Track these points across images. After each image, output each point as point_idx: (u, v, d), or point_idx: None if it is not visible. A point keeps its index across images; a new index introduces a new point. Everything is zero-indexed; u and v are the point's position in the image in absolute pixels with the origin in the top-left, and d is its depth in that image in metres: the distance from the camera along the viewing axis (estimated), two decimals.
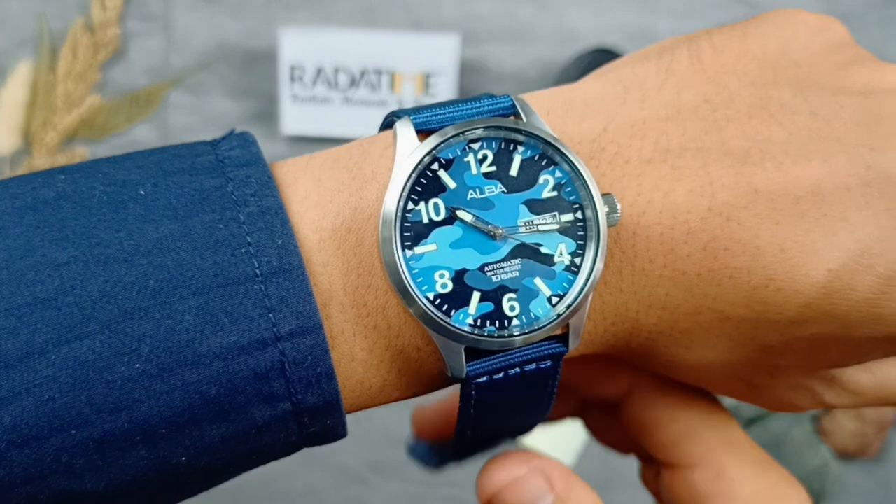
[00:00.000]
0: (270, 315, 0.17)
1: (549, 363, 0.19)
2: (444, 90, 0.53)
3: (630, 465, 0.53)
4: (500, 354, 0.19)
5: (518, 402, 0.20)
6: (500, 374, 0.19)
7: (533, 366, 0.19)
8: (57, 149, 0.54)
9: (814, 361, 0.20)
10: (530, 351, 0.19)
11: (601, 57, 0.48)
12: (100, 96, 0.55)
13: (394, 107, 0.54)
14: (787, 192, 0.18)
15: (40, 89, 0.54)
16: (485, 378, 0.19)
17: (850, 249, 0.18)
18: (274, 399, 0.17)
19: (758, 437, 0.53)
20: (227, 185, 0.18)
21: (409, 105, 0.54)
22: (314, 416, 0.18)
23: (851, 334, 0.19)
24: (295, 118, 0.54)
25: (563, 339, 0.19)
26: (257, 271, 0.17)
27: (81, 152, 0.54)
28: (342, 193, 0.18)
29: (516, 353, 0.19)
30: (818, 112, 0.19)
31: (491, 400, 0.19)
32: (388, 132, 0.19)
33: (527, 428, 0.22)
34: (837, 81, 0.20)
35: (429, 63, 0.53)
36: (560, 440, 0.56)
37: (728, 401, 0.53)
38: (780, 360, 0.20)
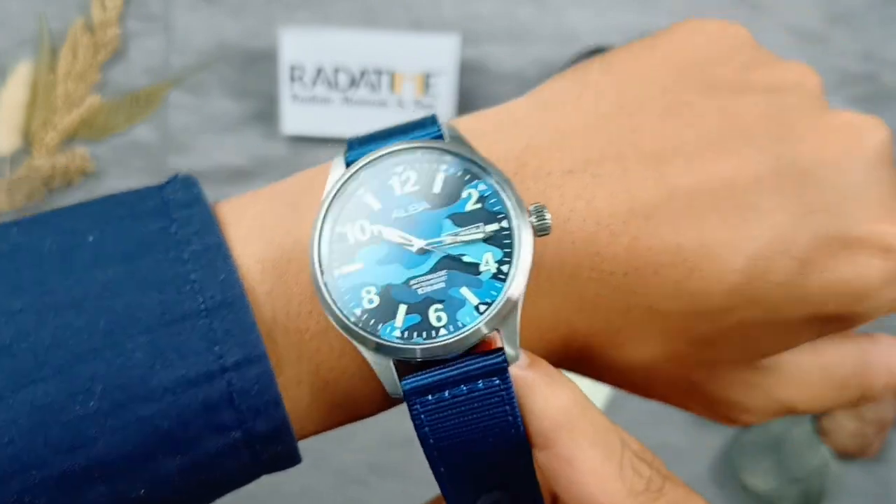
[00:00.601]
0: (216, 347, 0.18)
1: (496, 381, 0.19)
2: (444, 90, 0.53)
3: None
4: (436, 369, 0.19)
5: (478, 429, 0.19)
6: (445, 393, 0.19)
7: (480, 384, 0.19)
8: (57, 149, 0.54)
9: (748, 350, 0.21)
10: (468, 366, 0.19)
11: None
12: (100, 96, 0.55)
13: (394, 107, 0.54)
14: (703, 188, 0.19)
15: (40, 89, 0.54)
16: (429, 397, 0.19)
17: (765, 237, 0.19)
18: (225, 428, 0.18)
19: (758, 437, 0.53)
20: (171, 226, 0.19)
21: (408, 104, 0.54)
22: (265, 444, 0.18)
23: (778, 317, 0.20)
24: (295, 118, 0.54)
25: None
26: (202, 306, 0.18)
27: (81, 152, 0.54)
28: (283, 224, 0.19)
29: (452, 368, 0.19)
30: (726, 110, 0.20)
31: (445, 424, 0.19)
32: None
33: (510, 468, 0.21)
34: (742, 81, 0.21)
35: (429, 63, 0.53)
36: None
37: None
38: (715, 352, 0.20)
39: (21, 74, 0.54)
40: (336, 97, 0.53)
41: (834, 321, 0.20)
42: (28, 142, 0.54)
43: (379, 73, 0.53)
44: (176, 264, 0.18)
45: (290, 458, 0.19)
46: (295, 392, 0.19)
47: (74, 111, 0.54)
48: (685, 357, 0.21)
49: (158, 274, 0.18)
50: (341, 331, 0.19)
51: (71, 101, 0.54)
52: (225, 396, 0.18)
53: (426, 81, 0.53)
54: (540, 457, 0.20)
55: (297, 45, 0.53)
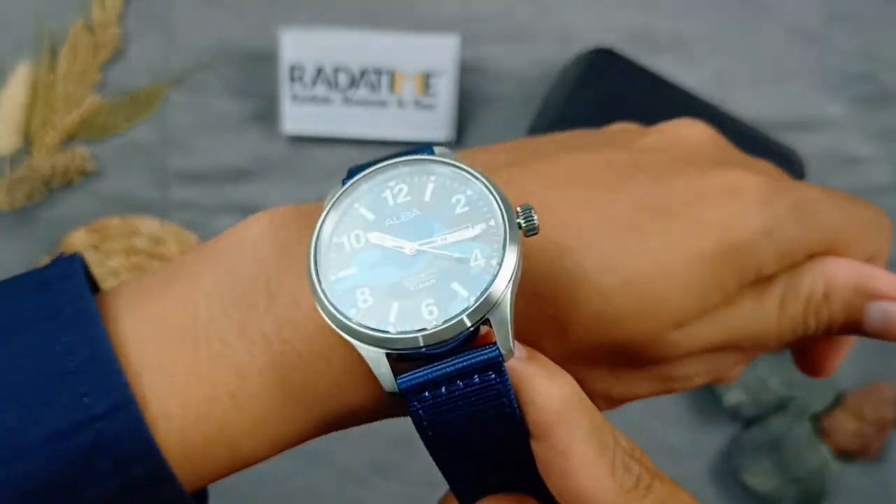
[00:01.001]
0: (85, 399, 0.19)
1: (491, 375, 0.19)
2: (444, 90, 0.53)
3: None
4: (431, 365, 0.19)
5: (477, 421, 0.20)
6: (442, 389, 0.19)
7: (476, 378, 0.19)
8: (57, 149, 0.54)
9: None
10: (462, 361, 0.19)
11: (601, 57, 0.48)
12: (100, 96, 0.55)
13: (394, 107, 0.54)
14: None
15: (40, 89, 0.54)
16: (426, 394, 0.19)
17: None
18: (102, 476, 0.19)
19: (758, 437, 0.53)
20: (47, 297, 0.20)
21: (408, 104, 0.54)
22: (145, 489, 0.19)
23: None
24: (295, 118, 0.54)
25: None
26: (71, 364, 0.19)
27: (81, 152, 0.54)
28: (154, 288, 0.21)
29: (447, 364, 0.19)
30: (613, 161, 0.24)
31: (443, 418, 0.20)
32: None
33: (512, 454, 0.22)
34: (625, 141, 0.25)
35: (429, 63, 0.53)
36: None
37: (728, 401, 0.53)
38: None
39: (21, 74, 0.54)
40: (336, 97, 0.53)
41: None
42: (28, 142, 0.55)
43: (379, 73, 0.53)
44: (49, 330, 0.20)
45: (182, 501, 0.20)
46: (175, 430, 0.20)
47: (74, 111, 0.54)
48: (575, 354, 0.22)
49: (35, 343, 0.19)
50: (341, 332, 0.20)
51: (71, 101, 0.54)
52: (97, 444, 0.19)
53: (426, 81, 0.53)
54: (536, 448, 0.20)
55: (297, 45, 0.53)
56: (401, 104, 0.53)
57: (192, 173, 0.55)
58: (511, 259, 0.20)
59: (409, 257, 0.20)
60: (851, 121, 0.55)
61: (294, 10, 0.55)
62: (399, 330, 0.19)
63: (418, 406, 0.19)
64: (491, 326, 0.20)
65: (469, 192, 0.21)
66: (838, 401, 0.54)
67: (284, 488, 0.55)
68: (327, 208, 0.21)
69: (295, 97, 0.53)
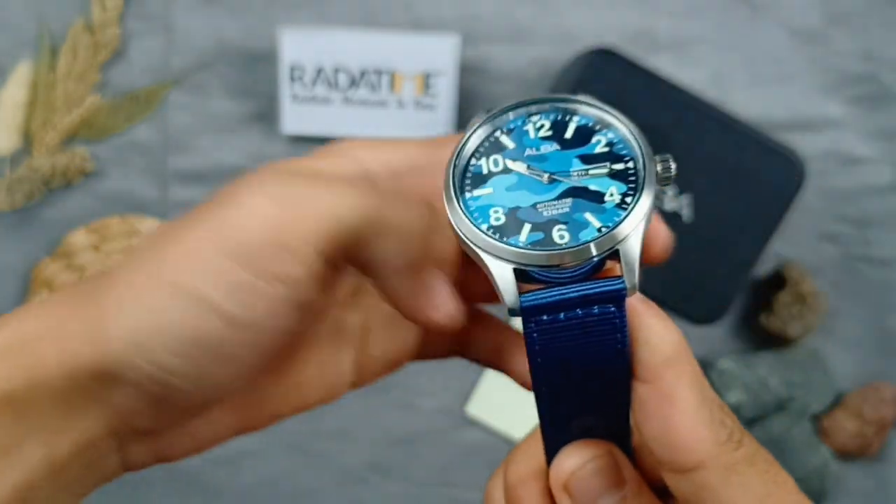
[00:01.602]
0: None
1: (611, 308, 0.20)
2: (444, 90, 0.53)
3: None
4: (555, 288, 0.20)
5: (586, 353, 0.20)
6: (561, 315, 0.20)
7: (595, 309, 0.20)
8: (57, 149, 0.54)
9: None
10: (587, 288, 0.20)
11: (601, 57, 0.48)
12: (100, 96, 0.55)
13: (394, 107, 0.54)
14: None
15: (40, 89, 0.54)
16: (545, 317, 0.20)
17: None
18: None
19: (758, 437, 0.53)
20: None
21: (408, 104, 0.54)
22: None
23: None
24: (295, 118, 0.54)
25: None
26: None
27: (81, 152, 0.54)
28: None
29: (571, 289, 0.20)
30: None
31: (555, 345, 0.20)
32: None
33: (608, 396, 0.22)
34: None
35: (429, 63, 0.53)
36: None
37: (730, 399, 0.53)
38: None
39: (21, 74, 0.54)
40: (336, 97, 0.53)
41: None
42: (28, 142, 0.54)
43: (379, 73, 0.53)
44: None
45: None
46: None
47: (74, 111, 0.54)
48: None
49: None
50: (471, 244, 0.20)
51: (71, 101, 0.54)
52: None
53: (426, 81, 0.53)
54: (641, 390, 0.21)
55: (297, 45, 0.53)
56: (401, 104, 0.53)
57: (192, 173, 0.55)
58: (646, 200, 0.20)
59: (546, 185, 0.21)
60: (851, 121, 0.55)
61: (294, 10, 0.55)
62: (529, 246, 0.20)
63: (535, 328, 0.20)
64: (619, 261, 0.20)
65: (610, 135, 0.22)
66: (838, 401, 0.54)
67: (284, 488, 0.55)
68: (470, 131, 0.22)
69: (295, 97, 0.53)
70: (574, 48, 0.53)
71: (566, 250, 0.20)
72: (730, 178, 0.48)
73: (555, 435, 0.23)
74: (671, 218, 0.48)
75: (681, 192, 0.48)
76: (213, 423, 0.24)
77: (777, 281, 0.54)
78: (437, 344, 0.27)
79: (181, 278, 0.19)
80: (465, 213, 0.21)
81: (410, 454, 0.55)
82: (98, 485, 0.22)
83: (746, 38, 0.55)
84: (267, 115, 0.55)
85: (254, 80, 0.55)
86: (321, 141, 0.55)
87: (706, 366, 0.54)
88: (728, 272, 0.49)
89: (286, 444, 0.55)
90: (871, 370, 0.55)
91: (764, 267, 0.55)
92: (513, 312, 0.20)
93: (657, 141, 0.48)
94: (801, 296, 0.52)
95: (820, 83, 0.56)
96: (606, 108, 0.22)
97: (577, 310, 0.20)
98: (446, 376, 0.55)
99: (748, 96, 0.55)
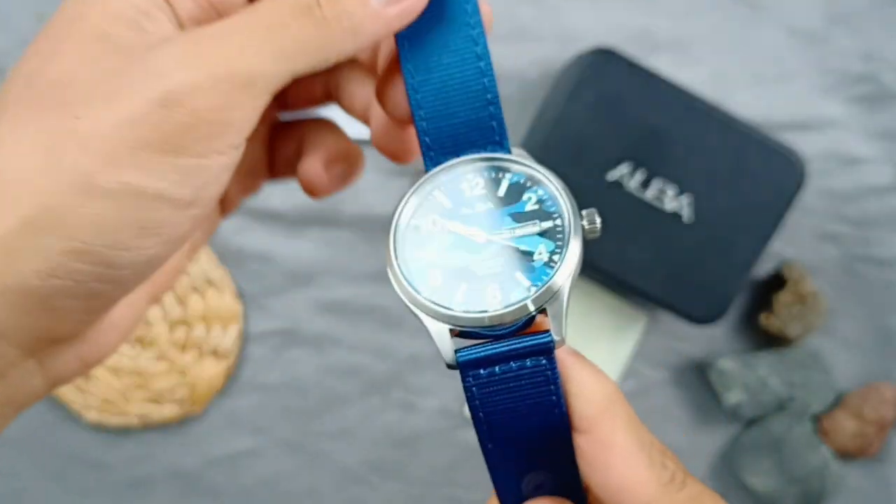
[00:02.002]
0: None
1: (542, 360, 0.21)
2: None
3: None
4: (488, 344, 0.21)
5: (524, 406, 0.21)
6: (496, 368, 0.21)
7: (528, 362, 0.21)
8: None
9: None
10: (518, 343, 0.21)
11: (601, 57, 0.48)
12: None
13: None
14: None
15: None
16: (481, 371, 0.21)
17: None
18: None
19: (758, 437, 0.53)
20: None
21: None
22: None
23: None
24: (294, 118, 0.54)
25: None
26: None
27: None
28: None
29: (503, 344, 0.21)
30: None
31: (494, 398, 0.21)
32: None
33: (553, 450, 0.23)
34: None
35: None
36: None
37: (730, 399, 0.53)
38: None
39: None
40: None
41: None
42: None
43: None
44: None
45: None
46: None
47: None
48: None
49: None
50: (411, 305, 0.22)
51: None
52: None
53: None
54: (580, 441, 0.21)
55: None
56: None
57: None
58: (572, 258, 0.21)
59: (480, 245, 0.22)
60: (851, 121, 0.55)
61: None
62: (464, 309, 0.21)
63: (472, 382, 0.21)
64: (547, 315, 0.21)
65: (540, 192, 0.23)
66: (838, 401, 0.54)
67: (284, 488, 0.55)
68: (409, 193, 0.23)
69: None
70: (574, 48, 0.53)
71: (506, 311, 0.21)
72: (730, 178, 0.48)
73: (508, 493, 0.24)
74: (671, 218, 0.48)
75: (681, 192, 0.48)
76: (131, 305, 0.25)
77: (777, 281, 0.54)
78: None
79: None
80: (403, 278, 0.22)
81: (410, 454, 0.55)
82: (23, 408, 0.22)
83: (746, 38, 0.55)
84: None
85: None
86: None
87: (706, 366, 0.54)
88: (728, 272, 0.49)
89: (286, 444, 0.55)
90: (871, 370, 0.55)
91: (764, 267, 0.55)
92: (450, 366, 0.21)
93: (657, 141, 0.48)
94: (801, 296, 0.52)
95: (820, 83, 0.56)
96: (536, 166, 0.23)
97: (511, 363, 0.21)
98: (447, 376, 0.55)
99: (748, 96, 0.55)
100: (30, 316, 0.20)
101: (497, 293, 0.21)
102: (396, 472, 0.55)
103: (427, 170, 0.24)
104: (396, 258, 0.22)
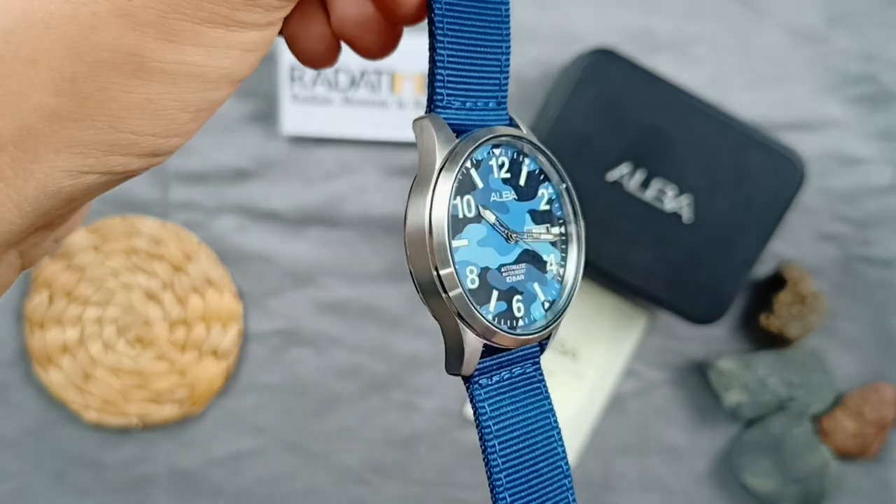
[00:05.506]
0: None
1: (531, 366, 0.21)
2: None
3: (630, 465, 0.53)
4: (492, 356, 0.21)
5: (518, 413, 0.21)
6: (496, 377, 0.21)
7: (518, 369, 0.21)
8: None
9: None
10: (515, 353, 0.21)
11: (601, 57, 0.48)
12: None
13: (394, 107, 0.54)
14: None
15: None
16: (485, 379, 0.20)
17: None
18: None
19: (758, 437, 0.53)
20: None
21: (408, 104, 0.54)
22: None
23: None
24: (295, 118, 0.54)
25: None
26: None
27: None
28: None
29: (505, 355, 0.21)
30: None
31: (495, 405, 0.21)
32: None
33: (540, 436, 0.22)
34: None
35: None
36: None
37: (730, 400, 0.53)
38: None
39: None
40: (336, 97, 0.53)
41: None
42: None
43: (379, 73, 0.53)
44: None
45: None
46: None
47: None
48: None
49: None
50: (454, 301, 0.19)
51: None
52: None
53: (426, 81, 0.53)
54: None
55: None
56: (401, 104, 0.53)
57: (192, 173, 0.55)
58: (570, 278, 0.22)
59: (506, 244, 0.21)
60: (851, 121, 0.55)
61: None
62: (498, 324, 0.20)
63: (476, 387, 0.21)
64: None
65: (549, 190, 0.22)
66: (838, 401, 0.54)
67: (284, 488, 0.55)
68: (442, 161, 0.20)
69: (295, 97, 0.53)
70: (574, 48, 0.53)
71: (533, 335, 0.21)
72: (730, 178, 0.48)
73: None
74: (671, 218, 0.48)
75: (681, 192, 0.48)
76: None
77: (777, 281, 0.54)
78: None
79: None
80: (457, 271, 0.19)
81: (410, 454, 0.55)
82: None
83: (746, 38, 0.55)
84: (267, 115, 0.55)
85: (254, 80, 0.55)
86: (321, 141, 0.55)
87: (706, 366, 0.54)
88: (728, 272, 0.49)
89: (286, 444, 0.55)
90: (871, 370, 0.55)
91: (764, 267, 0.55)
92: (465, 378, 0.21)
93: (657, 141, 0.48)
94: (801, 296, 0.52)
95: (820, 83, 0.56)
96: (547, 154, 0.22)
97: (506, 372, 0.21)
98: (446, 376, 0.55)
99: (748, 96, 0.55)
100: (46, 216, 0.19)
101: (521, 305, 0.21)
102: (396, 472, 0.55)
103: (432, 5, 0.21)
104: (454, 260, 0.19)
